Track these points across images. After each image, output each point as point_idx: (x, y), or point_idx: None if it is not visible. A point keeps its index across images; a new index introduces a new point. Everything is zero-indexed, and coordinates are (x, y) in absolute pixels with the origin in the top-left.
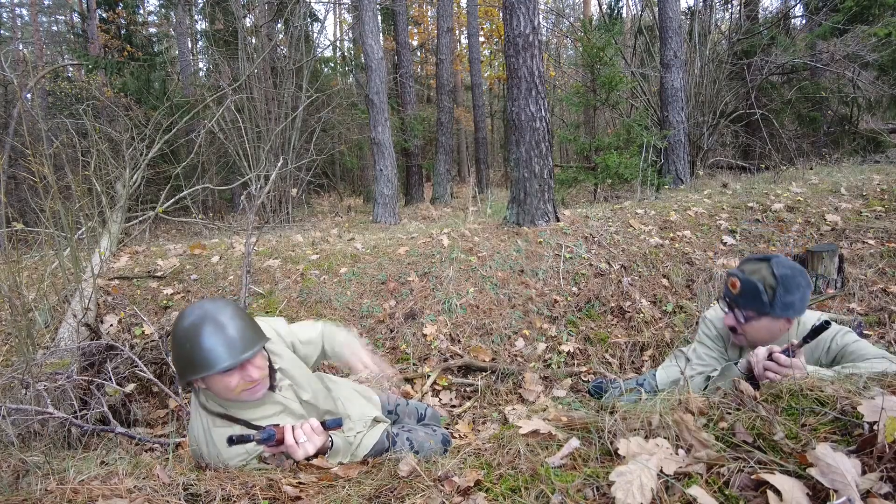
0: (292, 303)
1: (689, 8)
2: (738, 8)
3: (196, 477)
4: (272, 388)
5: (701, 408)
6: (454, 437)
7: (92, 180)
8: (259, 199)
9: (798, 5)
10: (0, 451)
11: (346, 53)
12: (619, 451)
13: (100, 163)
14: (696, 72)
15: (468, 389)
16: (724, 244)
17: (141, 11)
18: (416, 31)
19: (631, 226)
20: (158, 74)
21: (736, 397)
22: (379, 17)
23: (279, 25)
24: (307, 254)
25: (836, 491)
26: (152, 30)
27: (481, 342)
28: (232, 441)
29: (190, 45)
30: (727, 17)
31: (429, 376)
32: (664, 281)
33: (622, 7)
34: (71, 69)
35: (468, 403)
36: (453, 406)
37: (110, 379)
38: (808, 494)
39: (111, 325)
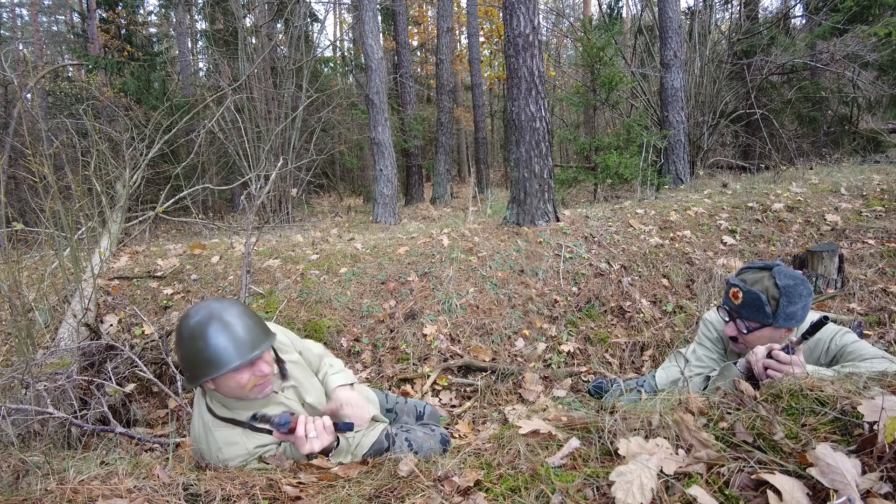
0: (292, 303)
1: (689, 8)
2: (738, 8)
3: (196, 477)
4: (284, 377)
5: (701, 408)
6: (454, 437)
7: (92, 180)
8: (259, 199)
9: (798, 5)
10: (0, 451)
11: (346, 53)
12: (620, 451)
13: (100, 163)
14: (696, 72)
15: (468, 389)
16: (724, 244)
17: (141, 11)
18: (416, 31)
19: (631, 226)
20: (158, 74)
21: (736, 397)
22: (379, 17)
23: (279, 25)
24: (307, 254)
25: (836, 491)
26: (152, 30)
27: (481, 342)
28: (255, 419)
29: (190, 45)
30: (727, 17)
31: (429, 376)
32: (664, 281)
33: (622, 7)
34: (71, 69)
35: (468, 403)
36: (453, 406)
37: (110, 379)
38: (808, 494)
39: (111, 325)
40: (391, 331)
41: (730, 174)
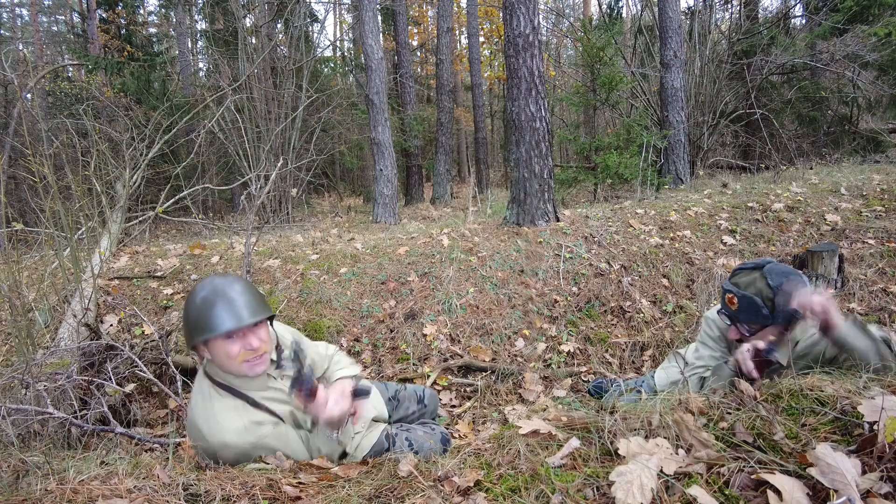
0: (292, 303)
1: (689, 8)
2: (738, 8)
3: (196, 477)
4: (279, 366)
5: (701, 408)
6: (454, 437)
7: (92, 180)
8: (259, 199)
9: (798, 5)
10: (0, 451)
11: (346, 53)
12: (620, 451)
13: (100, 163)
14: (696, 72)
15: (468, 389)
16: (724, 244)
17: (141, 11)
18: (416, 31)
19: (631, 226)
20: (158, 74)
21: (736, 397)
22: (379, 18)
23: (279, 25)
24: (307, 254)
25: (836, 491)
26: (152, 30)
27: (481, 342)
28: (296, 353)
29: (190, 45)
30: (727, 17)
31: (429, 376)
32: (664, 281)
33: (622, 7)
34: (71, 69)
35: (468, 404)
36: (453, 406)
37: (110, 379)
38: (808, 494)
39: (111, 325)
40: (391, 331)
41: (730, 174)
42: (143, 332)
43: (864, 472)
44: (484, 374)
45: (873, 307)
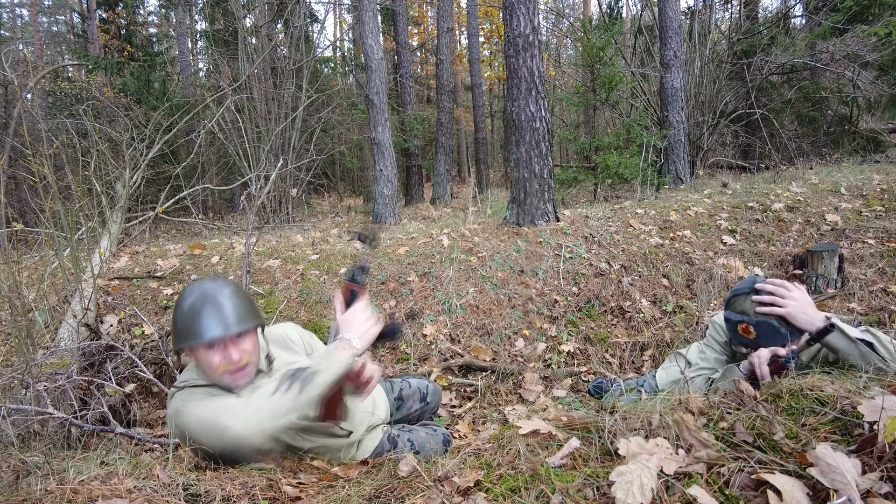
0: (292, 303)
1: (689, 8)
2: (738, 8)
3: (196, 477)
4: (269, 375)
5: (701, 408)
6: (454, 437)
7: (92, 180)
8: (259, 200)
9: (798, 5)
10: (0, 451)
11: (346, 54)
12: (620, 451)
13: (100, 163)
14: (696, 72)
15: (468, 389)
16: (724, 244)
17: (141, 11)
18: (416, 31)
19: (631, 226)
20: (158, 74)
21: (736, 397)
22: (379, 18)
23: (279, 26)
24: (307, 254)
25: (836, 491)
26: (152, 30)
27: (481, 342)
28: (363, 269)
29: (190, 46)
30: (727, 17)
31: (428, 376)
32: (664, 281)
33: (622, 7)
34: (71, 69)
35: (469, 404)
36: (454, 406)
37: (110, 379)
38: (808, 494)
39: (111, 326)
40: None
41: (730, 174)
42: (143, 333)
43: (864, 472)
44: (484, 373)
45: (873, 307)
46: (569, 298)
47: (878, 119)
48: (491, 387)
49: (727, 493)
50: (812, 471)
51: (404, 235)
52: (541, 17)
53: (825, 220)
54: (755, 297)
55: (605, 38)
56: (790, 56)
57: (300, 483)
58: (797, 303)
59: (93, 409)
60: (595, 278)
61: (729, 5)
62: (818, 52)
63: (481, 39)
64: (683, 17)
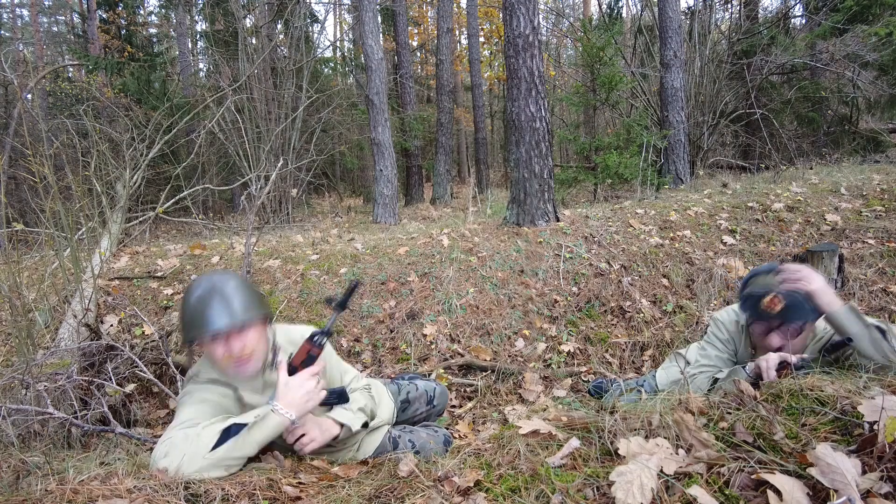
0: (292, 303)
1: (689, 8)
2: (738, 8)
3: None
4: (273, 367)
5: (701, 408)
6: (454, 437)
7: (92, 180)
8: (259, 200)
9: (798, 5)
10: (0, 451)
11: (346, 54)
12: (620, 451)
13: (100, 163)
14: (696, 72)
15: (468, 389)
16: (724, 244)
17: (141, 12)
18: (416, 31)
19: (631, 226)
20: (158, 75)
21: (736, 397)
22: (379, 18)
23: (279, 26)
24: (307, 254)
25: (836, 490)
26: (152, 30)
27: (481, 342)
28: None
29: (190, 46)
30: (727, 17)
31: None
32: (664, 281)
33: (622, 7)
34: (71, 69)
35: (469, 404)
36: (454, 406)
37: (110, 379)
38: (808, 494)
39: (111, 326)
40: (391, 331)
41: (730, 174)
42: (143, 333)
43: (864, 472)
44: (484, 373)
45: (873, 307)
46: (569, 298)
47: (878, 119)
48: (491, 387)
49: (727, 493)
50: (812, 471)
51: (404, 235)
52: (541, 17)
53: (825, 220)
54: (781, 276)
55: (605, 38)
56: (790, 56)
57: (300, 483)
58: (823, 283)
59: (93, 410)
60: (595, 278)
61: (729, 5)
62: (818, 52)
63: (481, 40)
64: (683, 17)
